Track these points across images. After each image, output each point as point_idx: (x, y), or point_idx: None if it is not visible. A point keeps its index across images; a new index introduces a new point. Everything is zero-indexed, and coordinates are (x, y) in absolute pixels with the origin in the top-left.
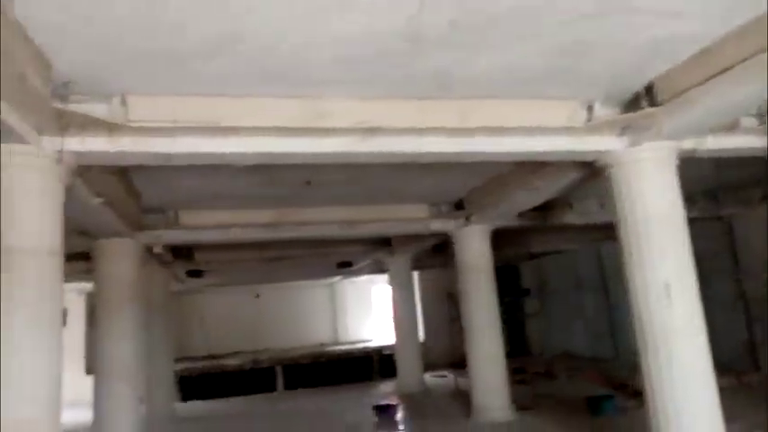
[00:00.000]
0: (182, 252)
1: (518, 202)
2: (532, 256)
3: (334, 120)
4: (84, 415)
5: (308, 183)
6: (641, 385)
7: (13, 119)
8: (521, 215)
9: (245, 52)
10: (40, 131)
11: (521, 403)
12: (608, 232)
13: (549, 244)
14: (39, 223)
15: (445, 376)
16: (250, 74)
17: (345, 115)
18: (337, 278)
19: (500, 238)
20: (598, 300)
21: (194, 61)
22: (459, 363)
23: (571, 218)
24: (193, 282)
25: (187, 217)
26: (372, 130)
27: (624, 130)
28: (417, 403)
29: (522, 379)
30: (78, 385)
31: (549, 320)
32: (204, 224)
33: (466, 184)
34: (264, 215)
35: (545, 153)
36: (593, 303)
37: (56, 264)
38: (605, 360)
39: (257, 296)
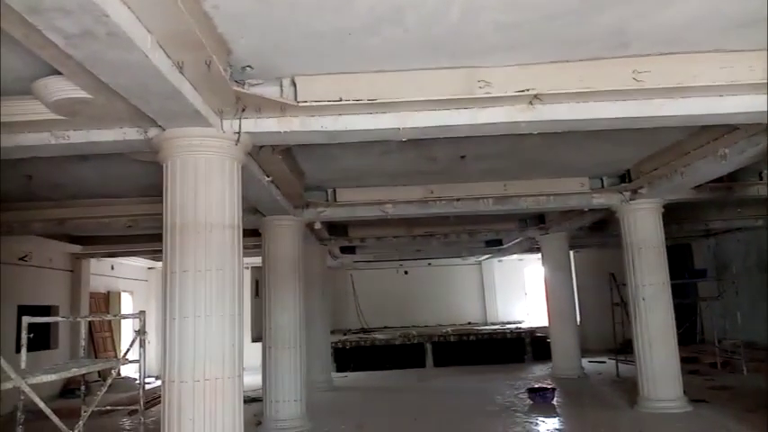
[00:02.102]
0: (337, 229)
1: (698, 172)
2: (708, 234)
3: (495, 89)
4: (252, 379)
5: (463, 157)
6: None
7: (199, 103)
8: (698, 188)
9: (408, 24)
10: (221, 114)
11: (694, 395)
12: None
13: (729, 220)
14: (221, 199)
15: (604, 362)
16: (411, 47)
17: (507, 83)
18: (485, 257)
19: (669, 214)
20: None
21: (358, 37)
22: (620, 349)
23: (760, 190)
24: (346, 258)
25: (344, 194)
26: (536, 98)
27: None
28: (574, 389)
29: (694, 369)
30: (245, 352)
31: (728, 306)
32: (359, 201)
33: (634, 154)
34: (417, 191)
35: (735, 115)
36: None
37: (236, 236)
38: None
39: (406, 273)
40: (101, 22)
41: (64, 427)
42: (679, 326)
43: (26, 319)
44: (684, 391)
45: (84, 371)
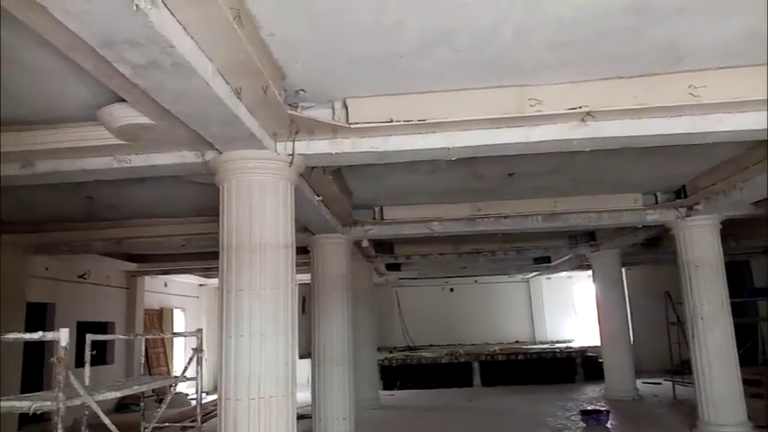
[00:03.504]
0: (383, 246)
1: (758, 188)
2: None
3: (546, 107)
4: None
5: (511, 175)
6: None
7: (255, 127)
8: (757, 203)
9: (458, 46)
10: (276, 137)
11: (759, 420)
12: None
13: None
14: (275, 219)
15: (660, 383)
16: (461, 67)
17: (559, 101)
18: (533, 274)
19: (726, 230)
20: None
21: (408, 60)
22: (677, 370)
23: None
24: (391, 275)
25: (391, 212)
26: (589, 115)
27: None
28: (629, 411)
29: (758, 393)
30: None
31: None
32: (406, 219)
33: (690, 169)
34: (464, 209)
35: None
36: None
37: (290, 256)
38: None
39: (451, 290)
40: (166, 53)
41: None
42: (739, 346)
43: (89, 337)
44: (749, 417)
45: (144, 388)
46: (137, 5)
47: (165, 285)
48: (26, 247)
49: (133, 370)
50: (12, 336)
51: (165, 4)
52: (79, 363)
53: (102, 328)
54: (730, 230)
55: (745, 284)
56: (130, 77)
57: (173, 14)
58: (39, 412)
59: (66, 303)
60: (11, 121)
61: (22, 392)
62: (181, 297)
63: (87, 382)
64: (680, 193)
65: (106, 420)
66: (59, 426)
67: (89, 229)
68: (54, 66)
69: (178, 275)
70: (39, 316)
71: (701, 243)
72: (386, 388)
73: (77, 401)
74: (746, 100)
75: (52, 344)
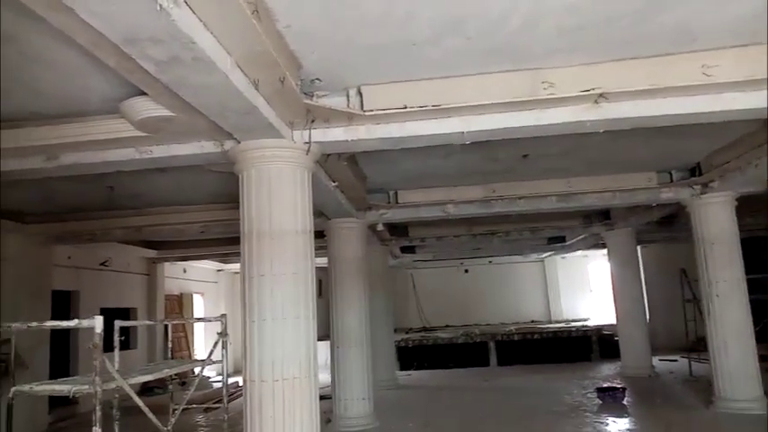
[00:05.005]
0: (398, 229)
1: None
2: None
3: (559, 89)
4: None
5: (525, 156)
6: None
7: (273, 117)
8: None
9: (469, 33)
10: (292, 126)
11: None
12: None
13: None
14: (293, 206)
15: (676, 360)
16: (473, 54)
17: (571, 84)
18: (548, 254)
19: (743, 205)
20: None
21: (421, 47)
22: (692, 347)
23: None
24: (406, 257)
25: (405, 196)
26: (602, 96)
27: None
28: (645, 388)
29: None
30: None
31: None
32: (420, 202)
33: (704, 147)
34: (478, 191)
35: None
36: None
37: (308, 241)
38: None
39: (466, 271)
40: (188, 49)
41: (159, 423)
42: (756, 322)
43: (117, 323)
44: (765, 392)
45: (174, 371)
46: (160, 5)
47: (185, 271)
48: (50, 237)
49: (155, 354)
50: (49, 324)
51: (186, 3)
52: (106, 348)
53: (125, 314)
54: (748, 206)
55: (763, 260)
56: (153, 73)
57: (193, 12)
58: (77, 395)
59: (89, 291)
60: (34, 115)
61: (50, 378)
62: (200, 282)
63: (117, 366)
64: (695, 170)
65: (140, 402)
66: (98, 407)
67: (110, 218)
68: (77, 62)
69: (197, 261)
70: (63, 303)
71: (716, 220)
72: (403, 368)
73: (112, 385)
74: (760, 78)
75: (77, 331)
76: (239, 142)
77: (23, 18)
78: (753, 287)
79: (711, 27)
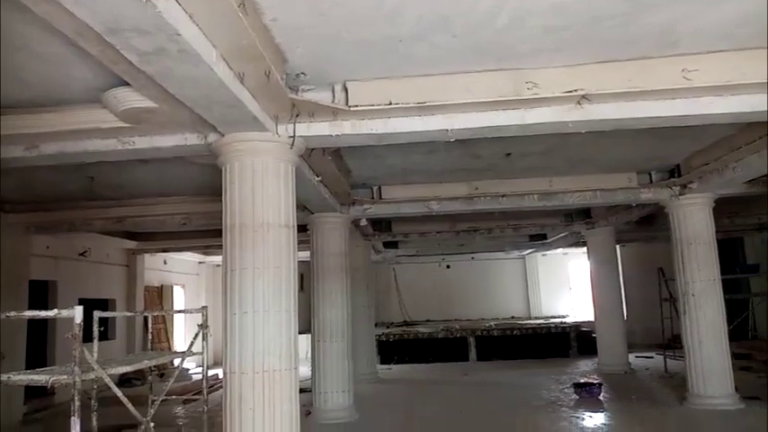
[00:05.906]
0: (381, 224)
1: (751, 168)
2: (761, 228)
3: (542, 90)
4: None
5: (508, 155)
6: None
7: (257, 110)
8: (751, 182)
9: (455, 30)
10: (277, 119)
11: (746, 392)
12: None
13: None
14: (277, 200)
15: (651, 357)
16: (459, 52)
17: (555, 84)
18: (529, 251)
19: (720, 207)
20: None
21: (407, 44)
22: (668, 344)
23: None
24: (389, 252)
25: (389, 192)
26: (584, 98)
27: None
28: (621, 384)
29: (747, 366)
30: None
31: None
32: (404, 198)
33: (683, 149)
34: (461, 188)
35: None
36: None
37: (291, 235)
38: None
39: (448, 267)
40: (173, 41)
41: (138, 414)
42: (730, 321)
43: (97, 314)
44: (737, 388)
45: (154, 362)
46: None
47: (165, 263)
48: (28, 226)
49: (134, 345)
50: (28, 313)
51: None
52: (84, 339)
53: (104, 304)
54: (725, 208)
55: (738, 261)
56: (137, 64)
57: (179, 3)
58: (55, 386)
59: (67, 281)
60: (16, 104)
61: (26, 368)
62: (180, 274)
63: (96, 357)
64: (674, 172)
65: (118, 393)
66: (76, 398)
67: (90, 208)
68: (59, 50)
69: (178, 253)
70: (41, 293)
71: (694, 221)
72: (383, 362)
73: (91, 375)
74: (738, 83)
75: (55, 321)
76: (223, 135)
77: (6, 6)
78: (727, 287)
79: (693, 31)
